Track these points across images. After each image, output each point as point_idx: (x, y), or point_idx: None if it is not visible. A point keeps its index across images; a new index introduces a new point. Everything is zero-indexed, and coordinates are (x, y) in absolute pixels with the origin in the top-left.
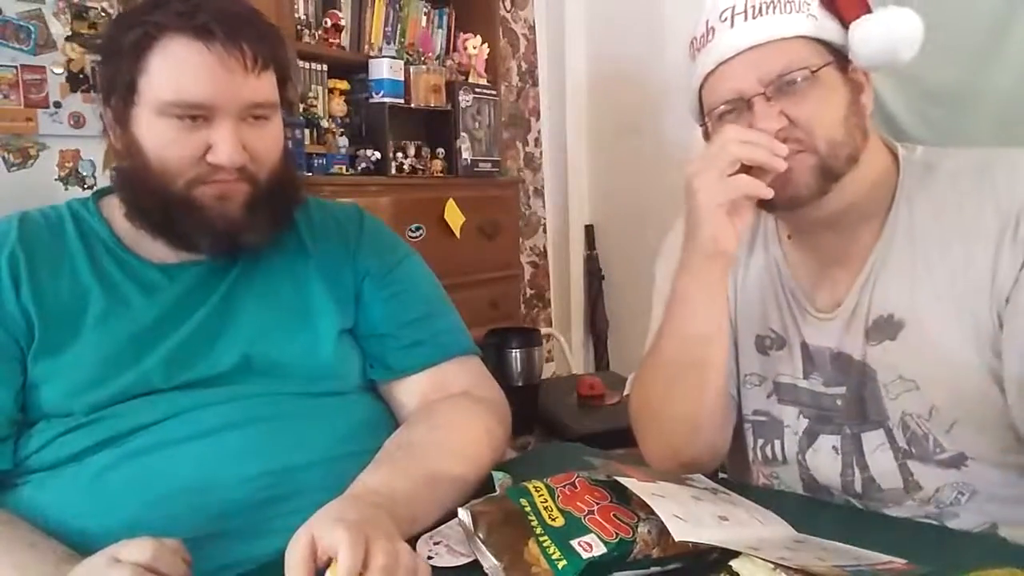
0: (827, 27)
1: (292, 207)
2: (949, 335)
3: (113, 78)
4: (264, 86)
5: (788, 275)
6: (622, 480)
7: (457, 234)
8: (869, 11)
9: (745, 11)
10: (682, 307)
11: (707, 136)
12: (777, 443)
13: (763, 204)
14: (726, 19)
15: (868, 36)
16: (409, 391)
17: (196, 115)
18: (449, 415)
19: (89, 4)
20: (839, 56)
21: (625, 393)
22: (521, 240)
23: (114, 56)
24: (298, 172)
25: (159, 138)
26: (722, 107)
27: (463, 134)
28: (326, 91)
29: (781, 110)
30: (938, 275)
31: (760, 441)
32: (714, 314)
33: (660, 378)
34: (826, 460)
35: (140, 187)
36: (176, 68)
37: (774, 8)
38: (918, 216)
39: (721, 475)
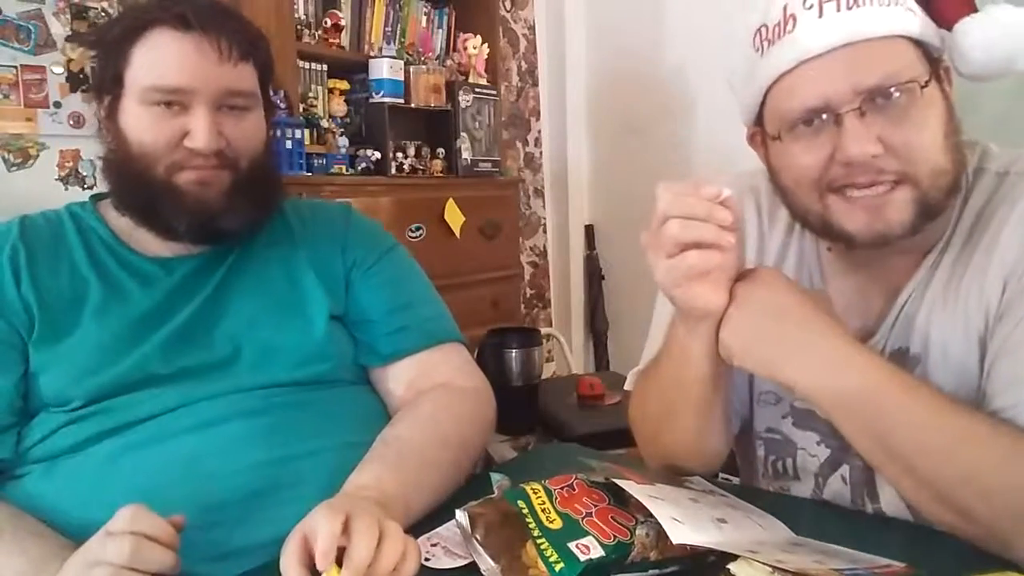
0: (928, 26)
1: (273, 198)
2: (968, 374)
3: (103, 74)
4: (241, 76)
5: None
6: (620, 482)
7: (457, 234)
8: (975, 9)
9: None
10: (681, 353)
11: (755, 142)
12: (789, 460)
13: (839, 239)
14: (812, 6)
15: (985, 41)
16: (397, 377)
17: (174, 101)
18: (433, 406)
19: (89, 4)
20: (935, 62)
21: (625, 388)
22: (521, 240)
23: (103, 53)
24: (279, 171)
25: (141, 125)
26: (800, 116)
27: (463, 134)
28: (326, 91)
29: (876, 133)
30: (969, 305)
31: (772, 457)
32: (711, 362)
33: (658, 405)
34: (836, 490)
35: (124, 175)
36: (155, 55)
37: None
38: (960, 235)
39: (723, 475)
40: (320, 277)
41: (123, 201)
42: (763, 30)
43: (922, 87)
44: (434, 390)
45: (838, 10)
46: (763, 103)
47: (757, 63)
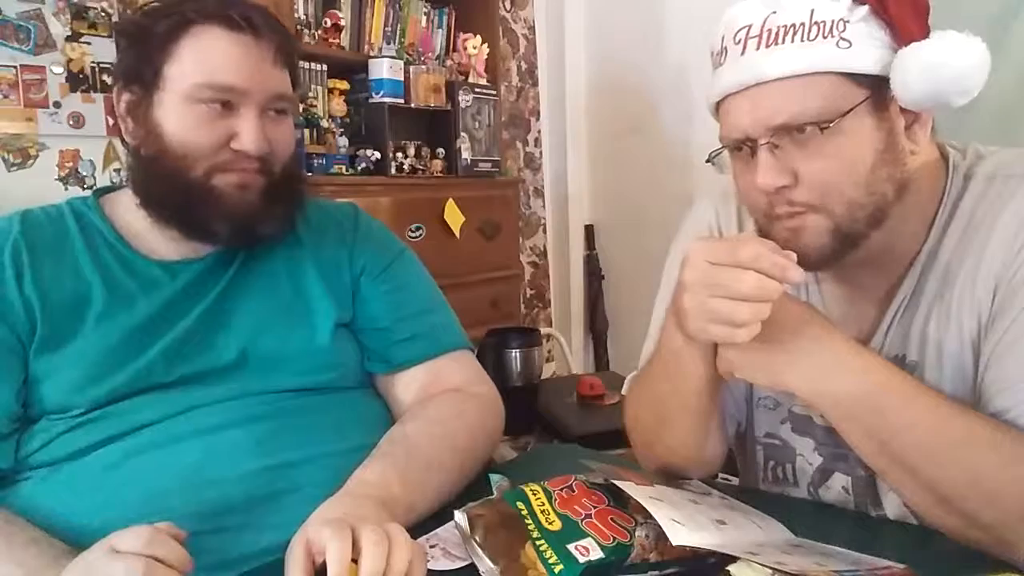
0: (864, 55)
1: (300, 203)
2: (965, 379)
3: (137, 65)
4: (285, 80)
5: (817, 303)
6: (619, 484)
7: (457, 234)
8: (926, 35)
9: (760, 35)
10: (677, 361)
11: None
12: (789, 466)
13: None
14: (740, 41)
15: (908, 77)
16: (406, 385)
17: (223, 100)
18: (443, 409)
19: (89, 4)
20: (879, 89)
21: (623, 393)
22: (521, 240)
23: (142, 43)
24: (304, 176)
25: (184, 123)
26: (729, 144)
27: (463, 134)
28: (326, 91)
29: (788, 165)
30: (962, 310)
31: (771, 463)
32: (709, 365)
33: (652, 412)
34: (837, 499)
35: (158, 174)
36: (208, 53)
37: (795, 35)
38: (951, 239)
39: (722, 476)
40: (327, 284)
41: (153, 201)
42: (711, 56)
43: (823, 128)
44: (446, 394)
45: (757, 48)
46: None
47: (710, 82)
